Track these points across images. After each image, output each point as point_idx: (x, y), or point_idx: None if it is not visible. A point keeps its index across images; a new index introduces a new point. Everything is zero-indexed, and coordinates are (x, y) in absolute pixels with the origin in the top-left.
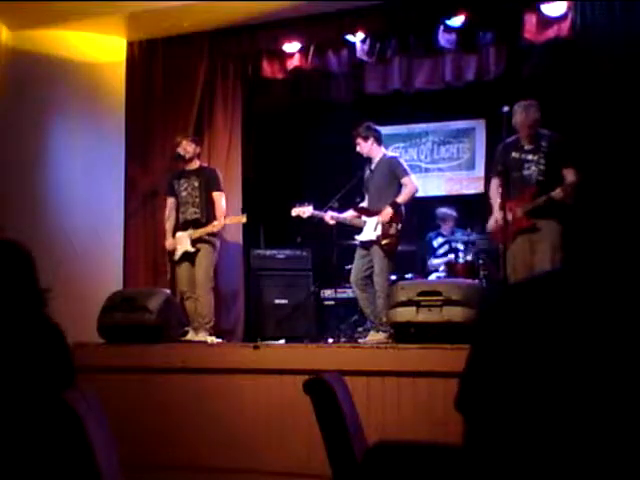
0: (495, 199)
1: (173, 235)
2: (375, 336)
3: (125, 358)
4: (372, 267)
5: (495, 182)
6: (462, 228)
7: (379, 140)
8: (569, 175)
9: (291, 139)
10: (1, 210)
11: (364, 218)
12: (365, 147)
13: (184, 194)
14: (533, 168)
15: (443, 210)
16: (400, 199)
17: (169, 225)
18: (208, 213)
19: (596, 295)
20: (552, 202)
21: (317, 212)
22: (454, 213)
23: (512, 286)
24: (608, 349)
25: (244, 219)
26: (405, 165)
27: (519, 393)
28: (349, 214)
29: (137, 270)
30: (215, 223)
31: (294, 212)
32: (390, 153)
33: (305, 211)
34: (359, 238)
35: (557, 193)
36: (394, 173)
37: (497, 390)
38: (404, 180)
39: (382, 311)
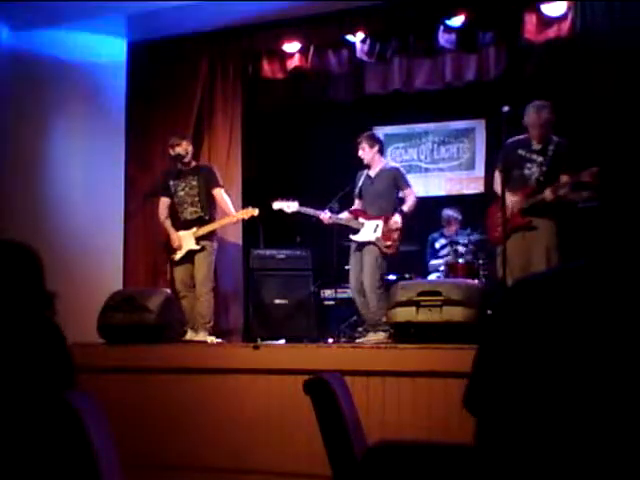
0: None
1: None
2: (375, 336)
3: (125, 358)
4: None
5: (497, 175)
6: (464, 229)
7: (382, 151)
8: (564, 180)
9: (291, 139)
10: (1, 210)
11: (361, 220)
12: (369, 154)
13: (181, 194)
14: (535, 169)
15: (448, 213)
16: (407, 209)
17: (169, 223)
18: (210, 211)
19: (606, 292)
20: (545, 203)
21: (304, 209)
22: (459, 216)
23: (520, 282)
24: (619, 346)
25: (256, 212)
26: (406, 176)
27: (530, 391)
28: (345, 215)
29: (137, 270)
30: (214, 222)
31: (276, 205)
32: (392, 163)
33: (289, 205)
34: (356, 238)
35: (548, 194)
36: (397, 184)
37: (507, 388)
38: (407, 191)
39: (377, 311)
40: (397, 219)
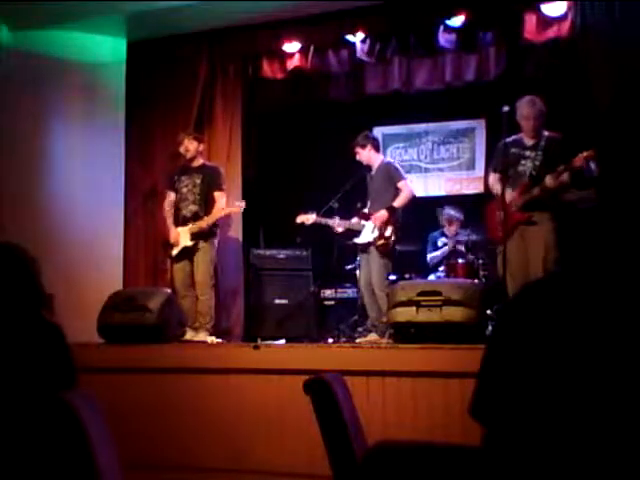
0: (499, 191)
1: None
2: (374, 337)
3: (125, 358)
4: None
5: (493, 176)
6: (464, 228)
7: (377, 147)
8: (564, 174)
9: (291, 139)
10: (1, 210)
11: (363, 222)
12: (364, 155)
13: (184, 190)
14: (529, 164)
15: (450, 212)
16: (397, 203)
17: (170, 218)
18: (207, 210)
19: (620, 296)
20: (546, 192)
21: (321, 219)
22: (461, 216)
23: (526, 288)
24: (631, 351)
25: (243, 204)
26: (401, 170)
27: (539, 398)
28: (354, 220)
29: (137, 270)
30: (205, 218)
31: (299, 219)
32: (388, 158)
33: (309, 218)
34: (357, 241)
35: (549, 181)
36: (391, 178)
37: (516, 396)
38: (400, 184)
39: (385, 311)
40: (382, 214)
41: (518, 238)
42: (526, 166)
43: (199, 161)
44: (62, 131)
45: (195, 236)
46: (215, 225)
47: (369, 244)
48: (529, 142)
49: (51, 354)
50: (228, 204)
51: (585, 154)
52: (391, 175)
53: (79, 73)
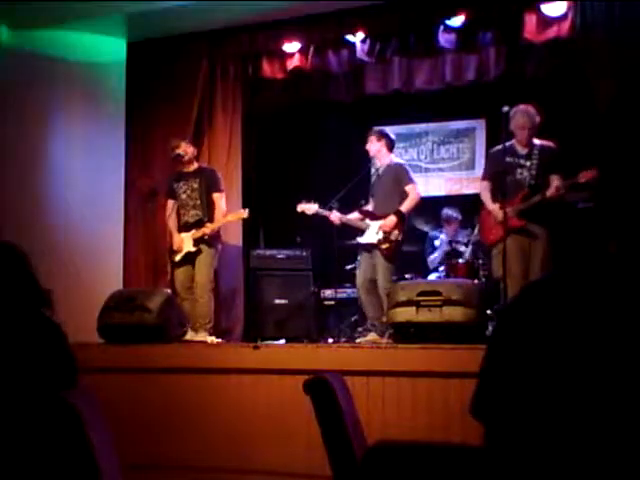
0: (487, 200)
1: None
2: (374, 337)
3: (125, 358)
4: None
5: (484, 184)
6: (464, 229)
7: (390, 146)
8: (555, 180)
9: (291, 139)
10: (1, 210)
11: (368, 221)
12: (375, 147)
13: (184, 196)
14: (525, 173)
15: (448, 212)
16: (404, 208)
17: (172, 224)
18: (210, 214)
19: (620, 296)
20: (545, 202)
21: (322, 210)
22: (459, 216)
23: (527, 288)
24: (632, 351)
25: (245, 214)
26: (411, 173)
27: (540, 397)
28: (354, 216)
29: (137, 270)
30: (208, 224)
31: (299, 208)
32: (399, 160)
33: (310, 208)
34: (360, 240)
35: (551, 192)
36: (399, 180)
37: (518, 395)
38: (408, 188)
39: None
40: (391, 219)
41: (518, 242)
42: (523, 175)
43: (194, 165)
44: (62, 131)
45: (198, 241)
46: (218, 230)
47: (373, 245)
48: (522, 151)
49: (52, 353)
50: (229, 208)
51: (590, 171)
52: (400, 177)
53: (79, 73)
